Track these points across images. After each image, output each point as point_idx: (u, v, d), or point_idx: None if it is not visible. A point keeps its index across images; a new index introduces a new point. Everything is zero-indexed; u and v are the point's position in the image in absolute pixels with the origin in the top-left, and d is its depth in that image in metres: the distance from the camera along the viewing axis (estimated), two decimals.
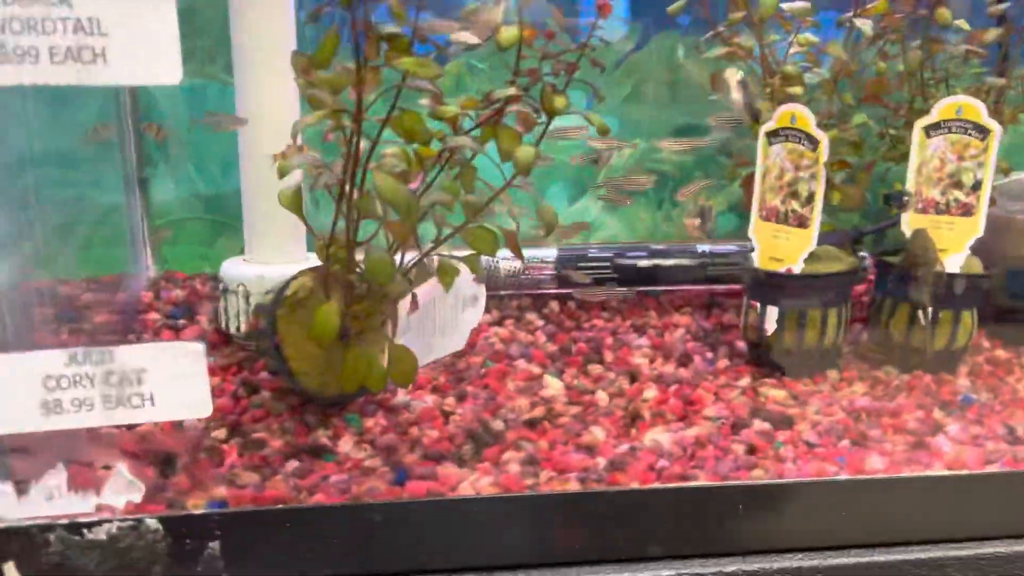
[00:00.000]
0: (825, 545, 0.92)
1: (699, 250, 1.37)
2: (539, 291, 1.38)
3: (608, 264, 1.35)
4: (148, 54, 0.72)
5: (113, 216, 1.35)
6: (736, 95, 1.05)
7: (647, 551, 0.89)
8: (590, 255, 1.35)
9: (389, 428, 1.04)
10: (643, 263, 1.34)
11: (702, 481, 0.93)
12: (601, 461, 0.96)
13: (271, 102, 1.19)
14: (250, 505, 0.86)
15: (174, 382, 0.80)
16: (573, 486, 0.91)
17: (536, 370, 1.21)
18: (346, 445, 1.00)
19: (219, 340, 1.26)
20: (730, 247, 1.38)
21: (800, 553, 0.91)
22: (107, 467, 0.92)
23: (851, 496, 0.92)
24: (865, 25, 1.07)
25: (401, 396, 1.12)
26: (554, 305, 1.41)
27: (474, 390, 1.15)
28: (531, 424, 1.05)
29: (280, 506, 0.85)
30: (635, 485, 0.92)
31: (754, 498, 0.90)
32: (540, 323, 1.36)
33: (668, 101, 1.44)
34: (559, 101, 0.85)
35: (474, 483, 0.91)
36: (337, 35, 0.79)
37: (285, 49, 1.18)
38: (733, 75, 1.06)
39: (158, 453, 0.96)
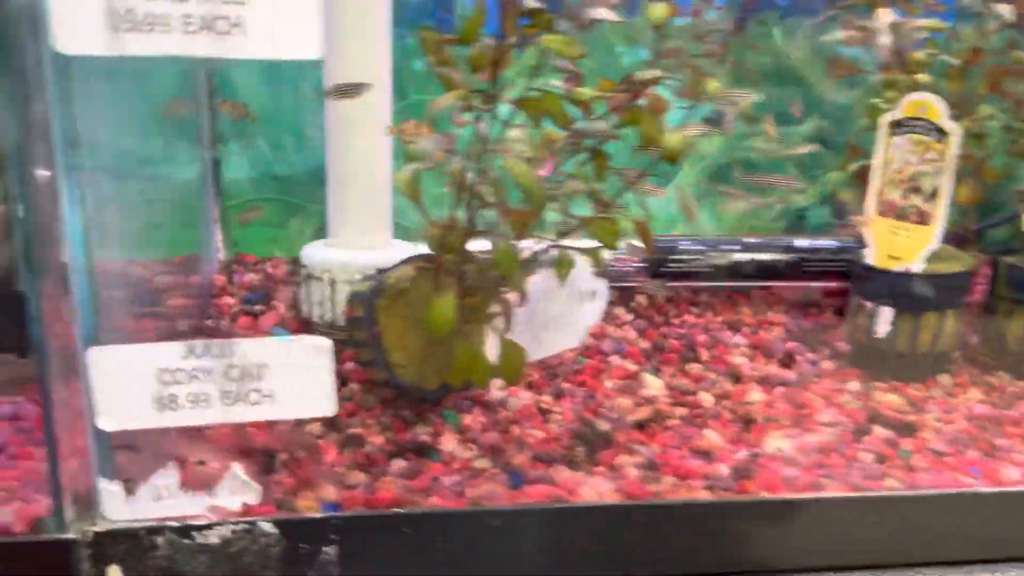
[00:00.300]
0: (960, 559, 0.87)
1: (795, 244, 1.31)
2: (625, 284, 1.32)
3: (700, 257, 1.29)
4: (286, 26, 0.66)
5: (187, 195, 1.29)
6: (886, 39, 0.97)
7: (779, 563, 0.84)
8: (681, 247, 1.29)
9: (489, 426, 0.99)
10: (738, 257, 1.29)
11: (835, 491, 0.87)
12: (721, 467, 0.91)
13: (361, 79, 1.13)
14: (365, 508, 0.81)
15: (297, 378, 0.75)
16: (701, 494, 0.86)
17: (631, 367, 1.16)
18: (449, 444, 0.95)
19: (299, 327, 1.21)
20: (828, 242, 1.32)
21: (935, 568, 0.86)
22: (200, 463, 0.87)
23: (987, 508, 0.87)
24: (1005, 9, 1.01)
25: (495, 392, 1.07)
26: (641, 299, 1.35)
27: (570, 387, 1.10)
28: (640, 426, 1.00)
29: (399, 510, 0.80)
30: (767, 495, 0.87)
31: (886, 510, 0.85)
32: (629, 318, 1.31)
33: (764, 86, 1.38)
34: (712, 85, 0.79)
35: (594, 488, 0.86)
36: (483, 11, 0.74)
37: (377, 23, 1.13)
38: (886, 15, 0.98)
39: (256, 449, 0.91)
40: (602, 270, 0.88)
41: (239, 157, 1.39)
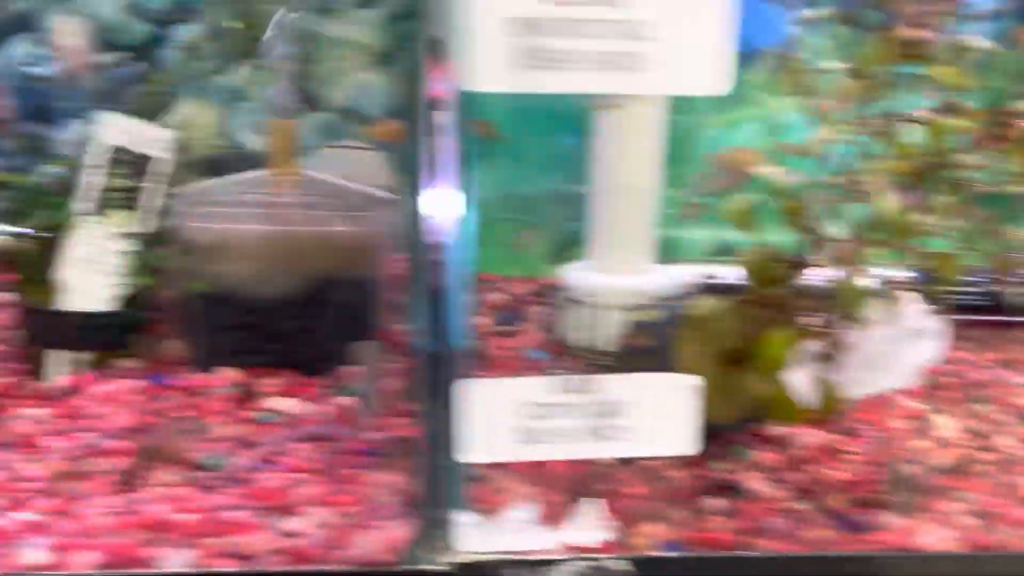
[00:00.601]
0: None
1: None
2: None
3: (973, 288, 1.23)
4: (694, 61, 0.65)
5: None
6: None
7: None
8: None
9: (786, 464, 0.96)
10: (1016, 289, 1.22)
11: None
12: None
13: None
14: (707, 549, 0.80)
15: (660, 416, 0.73)
16: None
17: (913, 405, 1.11)
18: (754, 482, 0.92)
19: (557, 351, 1.21)
20: None
21: None
22: (509, 491, 0.87)
23: None
24: None
25: (780, 426, 1.03)
26: None
27: (851, 424, 1.06)
28: (953, 470, 0.95)
29: (743, 553, 0.78)
30: None
31: None
32: None
33: None
34: None
35: (932, 536, 0.82)
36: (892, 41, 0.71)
37: None
38: None
39: (563, 480, 0.90)
40: (943, 307, 0.85)
41: (482, 175, 1.40)
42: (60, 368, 1.05)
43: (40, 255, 1.04)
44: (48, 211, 1.06)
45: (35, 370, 1.06)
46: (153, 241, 1.06)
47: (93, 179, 1.03)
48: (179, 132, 1.11)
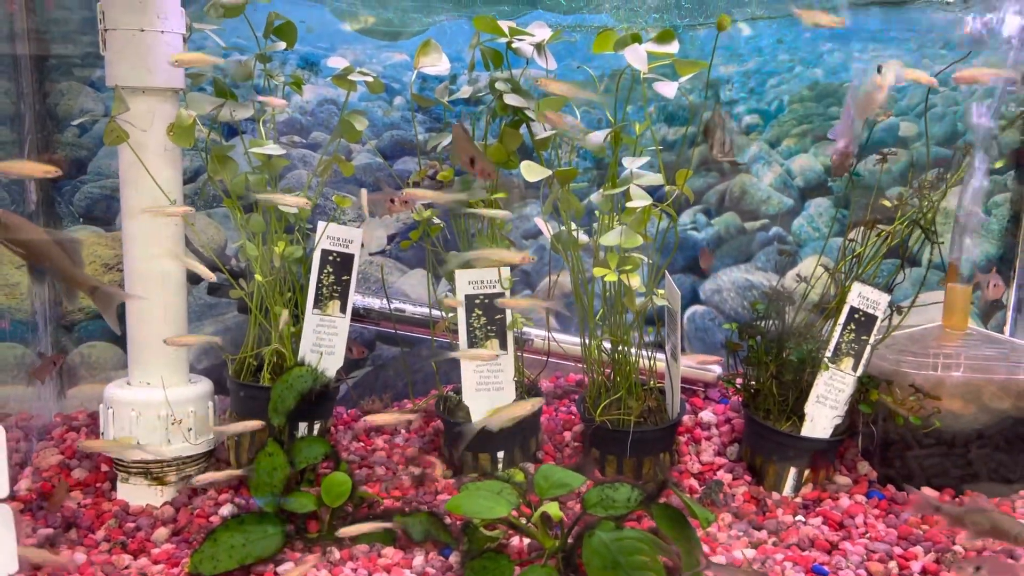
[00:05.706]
0: None
1: None
2: None
3: None
4: None
5: None
6: None
7: None
8: None
9: None
10: None
11: None
12: None
13: None
14: None
15: None
16: None
17: None
18: None
19: None
20: None
21: None
22: None
23: None
24: None
25: None
26: None
27: None
28: None
29: None
30: None
31: None
32: None
33: None
34: None
35: None
36: None
37: None
38: None
39: None
40: None
41: None
42: (790, 482, 1.31)
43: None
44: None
45: (760, 479, 1.33)
46: (863, 381, 1.31)
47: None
48: None
